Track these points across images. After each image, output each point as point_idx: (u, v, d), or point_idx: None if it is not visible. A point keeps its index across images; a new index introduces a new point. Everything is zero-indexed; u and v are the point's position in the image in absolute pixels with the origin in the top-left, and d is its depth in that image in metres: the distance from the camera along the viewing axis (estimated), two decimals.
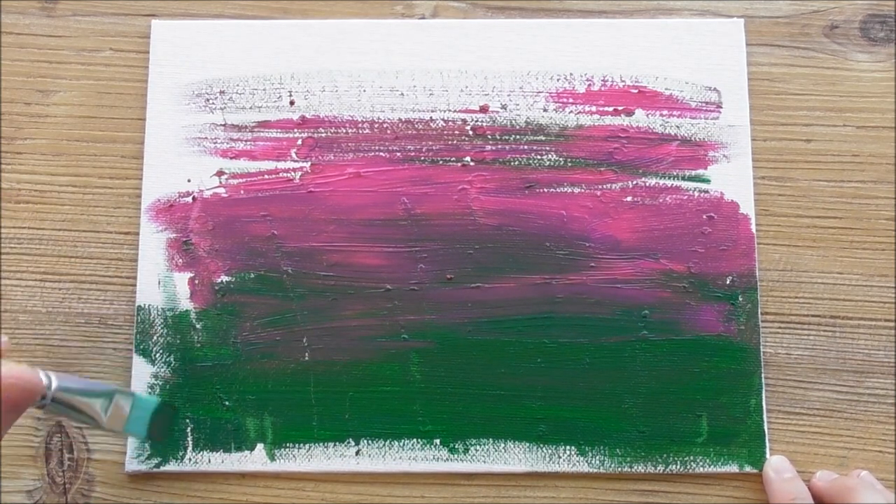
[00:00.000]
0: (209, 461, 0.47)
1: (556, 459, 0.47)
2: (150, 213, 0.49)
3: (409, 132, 0.50)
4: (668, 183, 0.50)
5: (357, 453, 0.47)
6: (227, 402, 0.48)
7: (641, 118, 0.50)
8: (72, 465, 0.47)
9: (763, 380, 0.48)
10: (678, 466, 0.47)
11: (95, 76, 0.51)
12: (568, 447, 0.47)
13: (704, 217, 0.49)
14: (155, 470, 0.47)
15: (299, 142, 0.50)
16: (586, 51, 0.51)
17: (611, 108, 0.50)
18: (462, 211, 0.49)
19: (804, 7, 0.52)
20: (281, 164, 0.50)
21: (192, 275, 0.49)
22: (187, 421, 0.47)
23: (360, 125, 0.50)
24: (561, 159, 0.50)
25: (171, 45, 0.51)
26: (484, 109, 0.50)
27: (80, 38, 0.52)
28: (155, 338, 0.48)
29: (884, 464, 0.47)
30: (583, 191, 0.49)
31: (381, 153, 0.50)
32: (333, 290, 0.49)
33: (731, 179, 0.50)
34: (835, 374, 0.48)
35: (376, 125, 0.50)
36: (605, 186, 0.50)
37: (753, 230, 0.49)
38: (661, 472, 0.47)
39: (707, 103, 0.50)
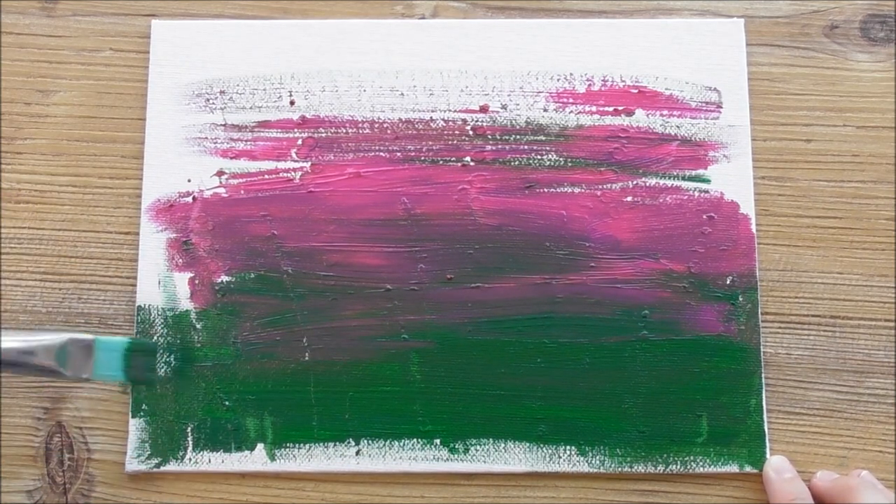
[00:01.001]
0: (209, 461, 0.47)
1: (556, 459, 0.47)
2: (150, 213, 0.49)
3: (410, 132, 0.50)
4: (668, 183, 0.50)
5: (357, 453, 0.47)
6: (227, 402, 0.48)
7: (641, 118, 0.50)
8: (72, 465, 0.47)
9: (763, 380, 0.48)
10: (678, 466, 0.47)
11: (95, 76, 0.51)
12: (568, 447, 0.47)
13: (704, 217, 0.49)
14: (155, 470, 0.47)
15: (299, 142, 0.50)
16: (586, 51, 0.51)
17: (611, 108, 0.50)
18: (462, 211, 0.49)
19: (804, 7, 0.52)
20: (281, 164, 0.50)
21: (192, 275, 0.49)
22: (187, 421, 0.47)
23: (360, 125, 0.50)
24: (561, 159, 0.50)
25: (171, 45, 0.51)
26: (484, 109, 0.50)
27: (80, 38, 0.52)
28: (155, 338, 0.48)
29: (884, 464, 0.47)
30: (583, 191, 0.49)
31: (382, 153, 0.50)
32: (333, 290, 0.49)
33: (732, 179, 0.50)
34: (835, 374, 0.48)
35: (376, 125, 0.50)
36: (605, 186, 0.49)
37: (753, 230, 0.49)
38: (661, 472, 0.47)
39: (707, 103, 0.50)
